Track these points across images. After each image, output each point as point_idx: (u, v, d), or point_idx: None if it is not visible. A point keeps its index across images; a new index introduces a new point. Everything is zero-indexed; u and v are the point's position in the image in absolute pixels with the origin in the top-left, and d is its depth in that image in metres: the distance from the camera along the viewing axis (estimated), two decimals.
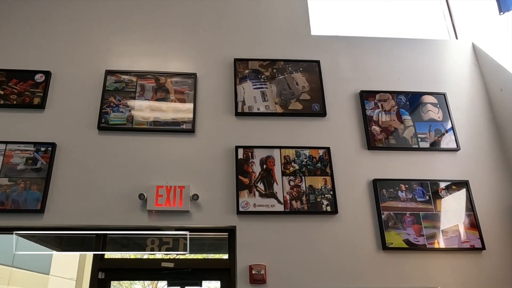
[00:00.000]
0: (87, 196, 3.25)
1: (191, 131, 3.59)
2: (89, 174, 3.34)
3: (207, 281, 3.24)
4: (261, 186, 3.41)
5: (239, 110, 3.73)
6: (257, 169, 3.49)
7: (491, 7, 3.94)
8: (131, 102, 3.68)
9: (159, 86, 3.79)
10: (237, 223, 3.25)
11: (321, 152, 3.59)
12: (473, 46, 4.26)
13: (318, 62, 4.02)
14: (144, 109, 3.67)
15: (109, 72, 3.79)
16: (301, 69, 3.99)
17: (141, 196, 3.20)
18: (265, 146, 3.58)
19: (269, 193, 3.39)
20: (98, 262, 3.17)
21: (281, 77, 3.95)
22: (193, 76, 3.85)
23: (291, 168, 3.51)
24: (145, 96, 3.74)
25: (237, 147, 3.54)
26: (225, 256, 3.34)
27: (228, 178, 3.42)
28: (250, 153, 3.54)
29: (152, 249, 3.12)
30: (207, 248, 3.03)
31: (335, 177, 3.48)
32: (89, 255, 3.04)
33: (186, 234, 3.23)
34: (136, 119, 3.61)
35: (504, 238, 3.36)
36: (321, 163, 3.54)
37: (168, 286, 3.10)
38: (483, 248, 3.27)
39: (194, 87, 3.80)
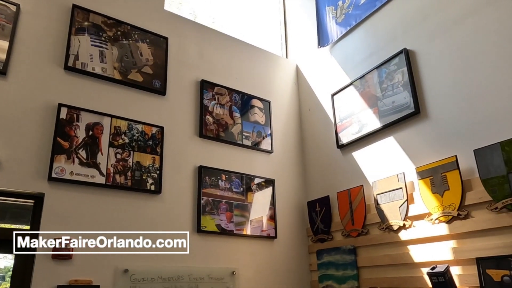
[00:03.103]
0: None
1: (2, 72, 2.91)
2: None
3: None
4: (83, 153, 3.06)
5: (70, 64, 3.25)
6: (81, 134, 3.11)
7: (315, 39, 4.70)
8: None
9: None
10: (46, 190, 2.82)
11: (154, 130, 3.49)
12: (297, 67, 4.98)
13: (166, 39, 3.89)
14: None
15: None
16: (148, 40, 3.78)
17: None
18: (95, 111, 3.23)
19: (91, 163, 3.08)
20: None
21: (125, 42, 3.64)
22: (15, 5, 3.13)
23: (120, 141, 3.29)
24: None
25: (60, 105, 3.07)
26: (26, 227, 2.83)
27: (43, 138, 2.93)
28: (75, 115, 3.13)
29: None
30: (8, 217, 2.49)
31: (164, 158, 3.45)
32: None
33: None
34: None
35: (291, 229, 4.06)
36: (153, 141, 3.45)
37: None
38: (276, 237, 3.86)
39: (15, 21, 3.10)
